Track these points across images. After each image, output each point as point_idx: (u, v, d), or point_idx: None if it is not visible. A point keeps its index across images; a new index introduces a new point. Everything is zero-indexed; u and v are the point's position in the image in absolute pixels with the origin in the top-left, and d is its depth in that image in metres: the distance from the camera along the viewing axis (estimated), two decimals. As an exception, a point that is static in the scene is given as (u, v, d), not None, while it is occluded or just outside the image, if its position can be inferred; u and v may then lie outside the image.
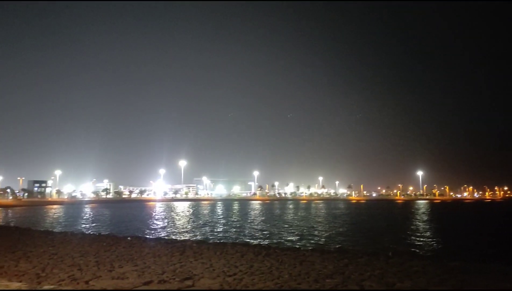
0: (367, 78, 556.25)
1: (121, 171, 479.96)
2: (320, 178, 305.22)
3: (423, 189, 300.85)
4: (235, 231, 39.17)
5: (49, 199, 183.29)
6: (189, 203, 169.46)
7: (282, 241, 30.48)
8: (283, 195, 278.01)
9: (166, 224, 49.96)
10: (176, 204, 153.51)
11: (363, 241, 30.52)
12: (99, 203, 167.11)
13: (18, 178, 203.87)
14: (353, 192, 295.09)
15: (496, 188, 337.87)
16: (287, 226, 46.21)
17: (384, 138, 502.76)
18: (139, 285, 11.89)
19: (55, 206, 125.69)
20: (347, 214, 77.59)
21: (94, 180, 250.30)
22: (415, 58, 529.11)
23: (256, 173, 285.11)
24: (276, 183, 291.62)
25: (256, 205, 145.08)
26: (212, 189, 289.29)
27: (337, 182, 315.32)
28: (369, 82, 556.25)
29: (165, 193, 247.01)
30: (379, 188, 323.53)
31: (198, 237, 32.63)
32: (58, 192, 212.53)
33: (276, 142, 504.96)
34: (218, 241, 29.19)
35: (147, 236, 33.12)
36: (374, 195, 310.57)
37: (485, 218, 72.98)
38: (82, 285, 11.74)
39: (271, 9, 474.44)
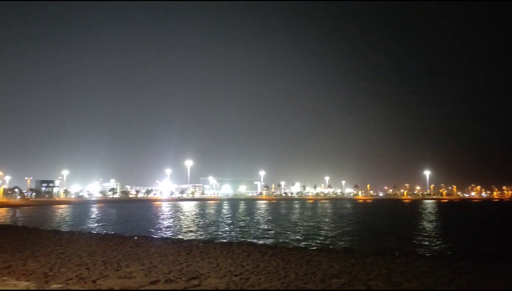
0: (370, 78, 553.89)
1: (127, 170, 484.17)
2: (327, 178, 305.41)
3: (430, 189, 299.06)
4: (241, 231, 39.16)
5: (57, 199, 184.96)
6: (195, 202, 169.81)
7: (288, 240, 30.39)
8: (289, 195, 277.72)
9: (172, 223, 50.13)
10: (182, 203, 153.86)
11: (370, 241, 30.34)
12: (106, 202, 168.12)
13: (26, 178, 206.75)
14: (360, 192, 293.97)
15: (504, 188, 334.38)
16: (293, 225, 46.10)
17: (391, 138, 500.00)
18: (146, 284, 11.93)
19: (62, 206, 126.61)
20: (354, 214, 77.26)
21: (101, 179, 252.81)
22: (415, 58, 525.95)
23: (262, 173, 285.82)
24: (282, 183, 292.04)
25: (262, 204, 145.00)
26: (218, 188, 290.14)
27: (343, 182, 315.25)
28: (372, 83, 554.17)
29: (172, 193, 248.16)
30: (386, 188, 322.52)
31: (205, 237, 32.68)
32: (66, 192, 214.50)
33: (282, 142, 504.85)
34: (225, 241, 29.23)
35: (154, 236, 33.22)
36: (381, 194, 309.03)
37: (493, 217, 72.20)
38: (89, 284, 11.80)
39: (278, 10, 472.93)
